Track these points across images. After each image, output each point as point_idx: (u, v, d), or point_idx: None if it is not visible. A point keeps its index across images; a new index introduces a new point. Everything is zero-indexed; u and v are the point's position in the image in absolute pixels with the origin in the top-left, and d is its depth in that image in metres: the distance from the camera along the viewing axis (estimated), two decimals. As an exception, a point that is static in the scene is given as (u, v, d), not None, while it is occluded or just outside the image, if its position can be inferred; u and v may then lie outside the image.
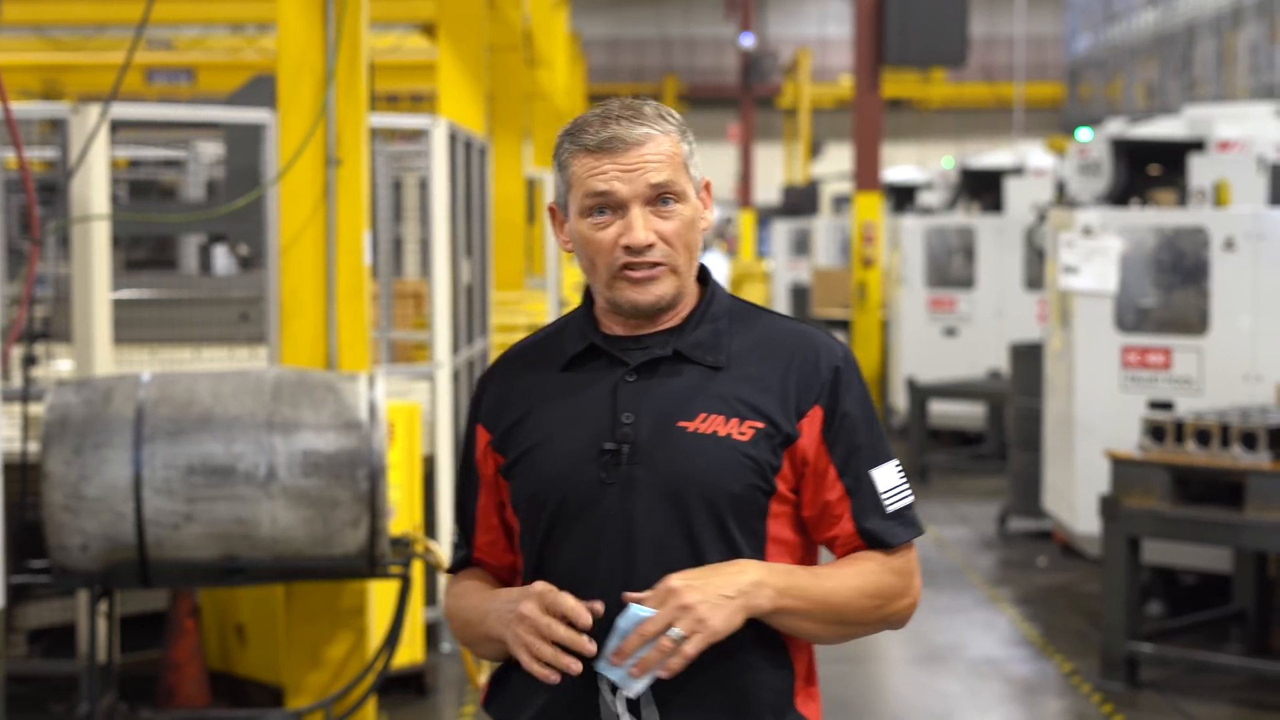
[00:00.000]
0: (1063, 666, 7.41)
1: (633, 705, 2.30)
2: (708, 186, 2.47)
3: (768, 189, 38.52)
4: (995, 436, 12.51)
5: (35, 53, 15.80)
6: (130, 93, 12.65)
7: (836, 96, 38.51)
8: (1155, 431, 7.02)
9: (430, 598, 7.00)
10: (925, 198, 16.77)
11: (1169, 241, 8.17)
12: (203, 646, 6.23)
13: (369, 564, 5.38)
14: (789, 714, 2.39)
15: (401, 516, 6.35)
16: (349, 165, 6.03)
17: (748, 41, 36.25)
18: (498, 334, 9.39)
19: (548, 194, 13.22)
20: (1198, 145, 9.05)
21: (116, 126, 6.53)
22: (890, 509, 2.42)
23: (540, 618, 2.27)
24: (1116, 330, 8.20)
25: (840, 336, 16.00)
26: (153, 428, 5.24)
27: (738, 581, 2.29)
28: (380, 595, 6.08)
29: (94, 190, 6.06)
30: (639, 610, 2.25)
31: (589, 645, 2.25)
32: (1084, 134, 11.12)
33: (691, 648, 2.24)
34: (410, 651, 6.53)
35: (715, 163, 44.49)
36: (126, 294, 7.81)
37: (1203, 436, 6.86)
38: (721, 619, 2.26)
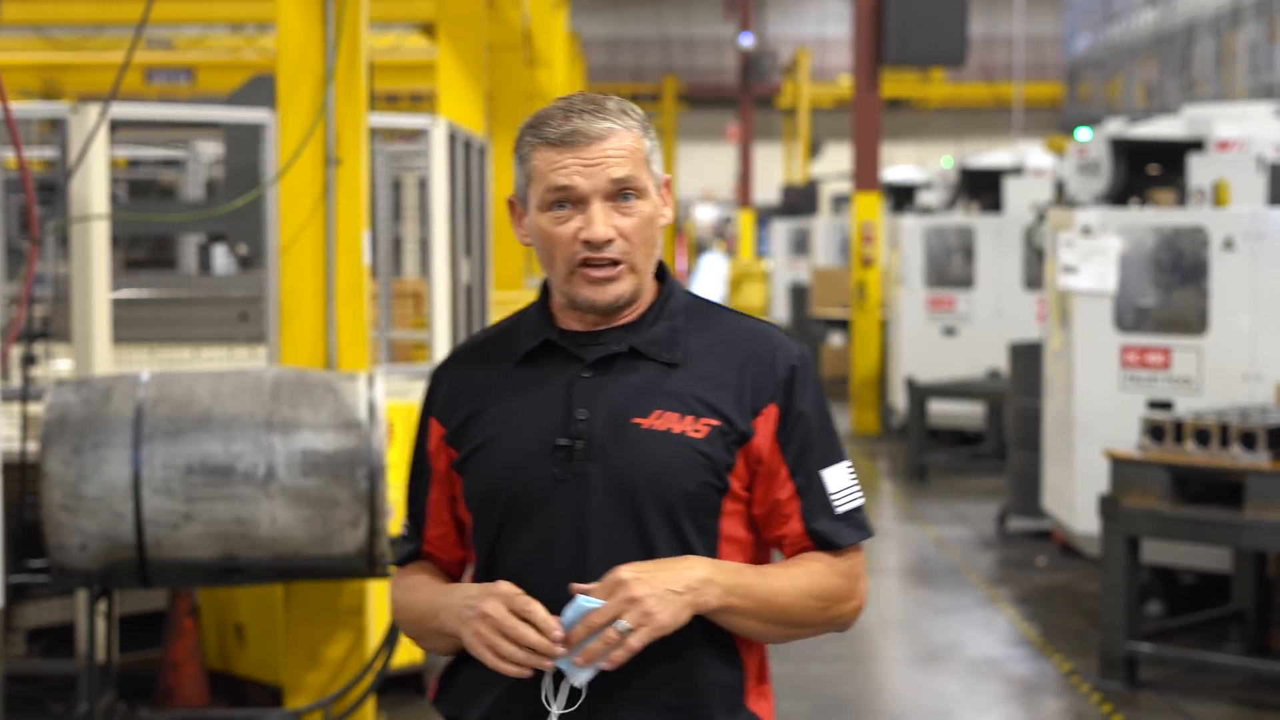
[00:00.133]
0: (1062, 666, 7.41)
1: (575, 695, 2.29)
2: (668, 184, 2.45)
3: (767, 189, 38.52)
4: (994, 436, 12.51)
5: (35, 52, 15.80)
6: (130, 92, 12.64)
7: (836, 96, 38.50)
8: (1154, 431, 7.02)
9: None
10: (924, 197, 16.77)
11: (1168, 241, 8.17)
12: (202, 646, 6.23)
13: (368, 564, 5.38)
14: (740, 712, 2.38)
15: (401, 516, 6.35)
16: (348, 165, 6.03)
17: (747, 41, 36.25)
18: (497, 333, 9.36)
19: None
20: (1197, 145, 9.05)
21: (116, 126, 6.53)
22: (839, 510, 2.41)
23: (506, 619, 2.25)
24: (1116, 330, 8.20)
25: (839, 336, 15.88)
26: (152, 427, 5.24)
27: (686, 577, 2.28)
28: (379, 595, 6.08)
29: (93, 190, 6.06)
30: (586, 601, 2.24)
31: (561, 650, 2.24)
32: (1083, 134, 11.12)
33: (637, 641, 2.23)
34: (409, 651, 6.53)
35: (714, 162, 44.54)
36: (126, 294, 7.81)
37: (1202, 436, 6.86)
38: (669, 614, 2.25)
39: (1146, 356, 8.12)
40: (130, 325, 7.17)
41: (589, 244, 2.34)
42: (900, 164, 22.22)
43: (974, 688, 7.19)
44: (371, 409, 5.37)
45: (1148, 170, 9.56)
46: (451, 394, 2.48)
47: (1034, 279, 12.65)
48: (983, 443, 13.11)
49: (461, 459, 2.44)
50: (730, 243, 39.22)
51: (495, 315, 9.64)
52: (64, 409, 5.28)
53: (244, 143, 6.63)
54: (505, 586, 2.29)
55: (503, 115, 12.24)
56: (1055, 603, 8.63)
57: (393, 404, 6.43)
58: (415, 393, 7.18)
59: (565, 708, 2.29)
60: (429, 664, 6.85)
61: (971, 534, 10.49)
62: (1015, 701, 7.10)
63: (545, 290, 2.46)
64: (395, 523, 6.11)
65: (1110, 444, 7.59)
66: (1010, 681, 7.29)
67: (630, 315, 2.41)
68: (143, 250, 11.42)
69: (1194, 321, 8.07)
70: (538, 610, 2.25)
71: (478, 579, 2.43)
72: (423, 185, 7.65)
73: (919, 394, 12.58)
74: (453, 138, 7.48)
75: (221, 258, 10.77)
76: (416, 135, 7.54)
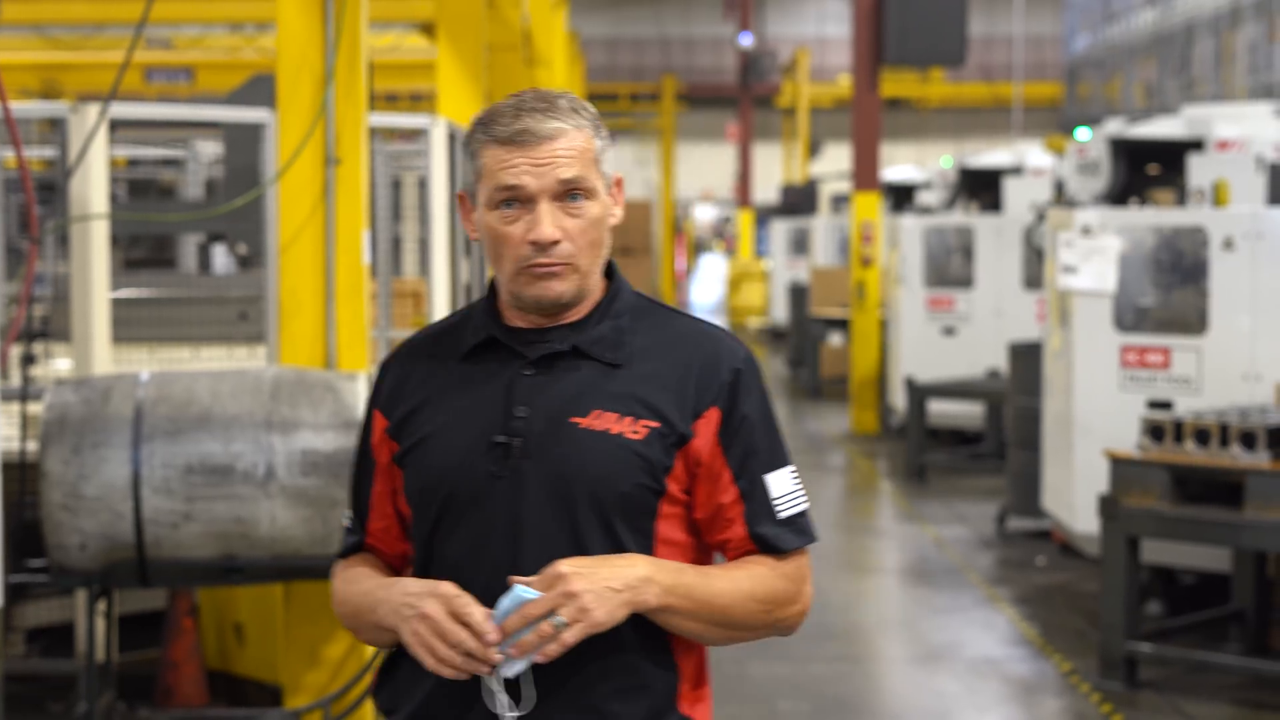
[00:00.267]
0: (1061, 666, 7.41)
1: (511, 685, 2.28)
2: (619, 183, 2.44)
3: (766, 188, 38.53)
4: (994, 436, 12.51)
5: (34, 52, 15.80)
6: (129, 92, 12.63)
7: (835, 96, 38.50)
8: (1154, 431, 7.02)
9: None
10: (924, 197, 16.77)
11: (1168, 241, 8.17)
12: (201, 646, 6.23)
13: (368, 563, 5.38)
14: (671, 715, 2.37)
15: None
16: (348, 164, 6.03)
17: (746, 41, 36.27)
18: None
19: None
20: (1196, 145, 9.06)
21: (115, 125, 6.53)
22: (782, 515, 2.40)
23: (445, 622, 2.24)
24: (1115, 330, 8.20)
25: (839, 336, 15.89)
26: (151, 427, 5.24)
27: (626, 575, 2.27)
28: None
29: (93, 189, 6.06)
30: (524, 591, 2.23)
31: (496, 656, 2.24)
32: (1083, 133, 11.12)
33: (571, 636, 2.22)
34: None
35: (714, 162, 44.56)
36: (125, 293, 7.81)
37: (1202, 436, 6.87)
38: (605, 611, 2.24)
39: (1146, 356, 8.12)
40: (130, 325, 7.16)
41: (535, 245, 2.33)
42: (900, 164, 22.22)
43: (973, 687, 7.19)
44: (371, 409, 5.36)
45: (1147, 170, 9.56)
46: (396, 388, 2.48)
47: (1033, 279, 12.65)
48: (982, 442, 13.10)
49: (402, 453, 2.43)
50: (729, 242, 39.21)
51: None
52: (63, 408, 5.28)
53: (244, 142, 6.63)
54: (446, 587, 2.28)
55: (502, 115, 12.21)
56: (1055, 602, 8.63)
57: (392, 404, 6.42)
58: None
59: (509, 705, 2.27)
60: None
61: (971, 534, 10.49)
62: (1015, 701, 7.10)
63: (493, 287, 2.46)
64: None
65: (1110, 444, 7.59)
66: (1010, 681, 7.29)
67: (576, 314, 2.41)
68: (142, 250, 11.42)
69: (1194, 321, 8.07)
70: (475, 614, 2.24)
71: (416, 573, 2.43)
72: (422, 185, 7.65)
73: (918, 394, 12.58)
74: (452, 137, 7.48)
75: (221, 257, 10.77)
76: (416, 135, 7.55)
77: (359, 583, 2.46)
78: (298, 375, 5.49)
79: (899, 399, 13.79)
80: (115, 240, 7.47)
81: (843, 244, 21.29)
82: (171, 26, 15.50)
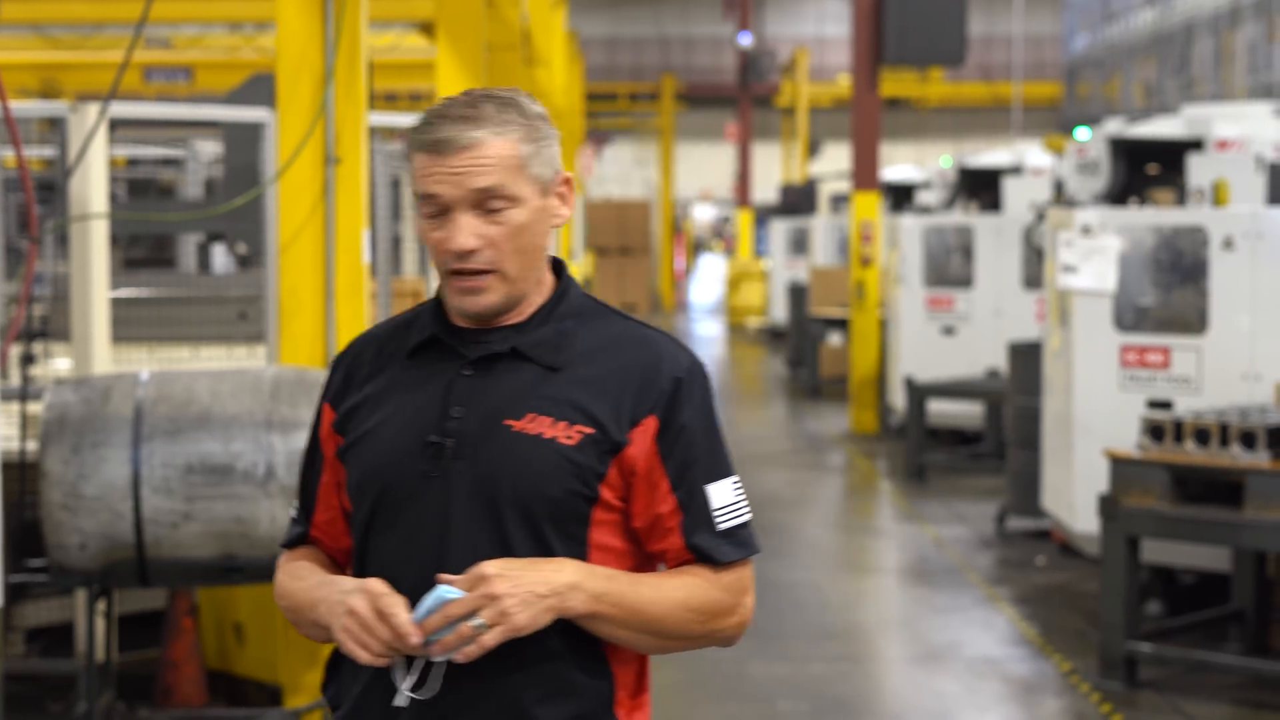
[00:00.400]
0: (1061, 666, 7.40)
1: (420, 680, 2.28)
2: (568, 181, 2.41)
3: (765, 188, 38.53)
4: (993, 436, 12.51)
5: (34, 51, 15.80)
6: (128, 91, 12.64)
7: (834, 96, 38.51)
8: (1154, 431, 7.02)
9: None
10: (923, 197, 16.76)
11: (1168, 241, 8.17)
12: (201, 645, 6.23)
13: (368, 563, 5.38)
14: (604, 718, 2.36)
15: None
16: (348, 164, 6.03)
17: (746, 40, 36.27)
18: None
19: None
20: (1196, 144, 9.05)
21: (115, 125, 6.53)
22: (722, 526, 2.37)
23: (370, 618, 2.24)
24: (1115, 329, 8.20)
25: (838, 336, 15.87)
26: (151, 426, 5.24)
27: (552, 580, 2.25)
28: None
29: (92, 189, 6.06)
30: (447, 591, 2.23)
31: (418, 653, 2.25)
32: (1082, 133, 11.12)
33: (490, 639, 2.21)
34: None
35: (713, 162, 44.58)
36: (125, 293, 7.81)
37: (1202, 436, 6.86)
38: (527, 616, 2.22)
39: (1146, 356, 8.12)
40: (129, 324, 7.16)
41: (453, 254, 2.32)
42: (899, 163, 22.22)
43: (973, 687, 7.19)
44: (371, 408, 5.36)
45: (1147, 170, 9.55)
46: (344, 382, 2.49)
47: (1033, 278, 12.65)
48: (982, 442, 13.10)
49: (344, 447, 2.44)
50: (729, 242, 39.22)
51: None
52: (63, 408, 5.28)
53: (243, 142, 6.63)
54: (374, 585, 2.28)
55: (502, 114, 12.22)
56: (1055, 602, 8.63)
57: (392, 403, 6.42)
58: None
59: (414, 688, 2.27)
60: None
61: (970, 533, 10.49)
62: (1015, 701, 7.10)
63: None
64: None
65: (1110, 444, 7.58)
66: (1010, 681, 7.29)
67: (518, 315, 2.39)
68: (142, 249, 11.42)
69: (1193, 321, 8.07)
70: (399, 615, 2.23)
71: (353, 568, 2.44)
72: (422, 184, 7.63)
73: (918, 393, 12.58)
74: (452, 137, 7.46)
75: (221, 257, 10.77)
76: (416, 134, 7.53)
77: (301, 579, 2.46)
78: (298, 375, 5.49)
79: (898, 399, 13.78)
80: (115, 240, 7.47)
81: (842, 244, 21.29)
82: (171, 26, 15.50)
